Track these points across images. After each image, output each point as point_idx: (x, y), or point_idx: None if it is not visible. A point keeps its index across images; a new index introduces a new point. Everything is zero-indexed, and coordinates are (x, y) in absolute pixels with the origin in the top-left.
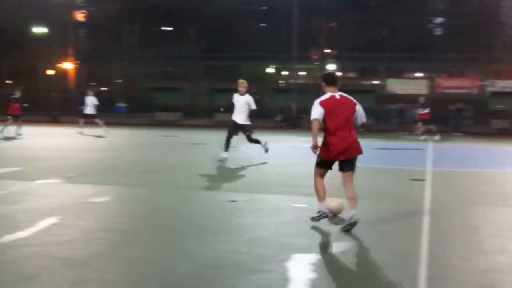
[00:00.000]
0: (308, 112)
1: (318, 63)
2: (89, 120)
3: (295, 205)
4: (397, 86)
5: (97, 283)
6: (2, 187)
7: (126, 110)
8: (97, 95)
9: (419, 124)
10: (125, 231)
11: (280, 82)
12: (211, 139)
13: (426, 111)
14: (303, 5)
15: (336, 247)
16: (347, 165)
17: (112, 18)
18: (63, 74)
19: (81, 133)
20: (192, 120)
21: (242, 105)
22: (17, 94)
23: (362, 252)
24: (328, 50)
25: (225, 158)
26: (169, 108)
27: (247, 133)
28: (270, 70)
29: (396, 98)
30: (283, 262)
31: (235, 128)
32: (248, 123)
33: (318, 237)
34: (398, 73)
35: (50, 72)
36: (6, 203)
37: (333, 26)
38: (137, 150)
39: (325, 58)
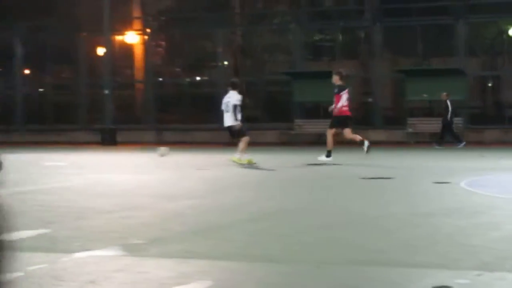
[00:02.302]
0: None
1: None
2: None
3: None
4: None
5: None
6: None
7: None
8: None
9: None
10: None
11: None
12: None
13: None
14: None
15: None
16: None
17: None
18: (122, 51)
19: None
20: (362, 133)
21: None
22: None
23: None
24: None
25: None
26: (317, 111)
27: None
28: None
29: None
30: None
31: None
32: None
33: None
34: None
35: (100, 50)
36: None
37: None
38: (262, 191)
39: None
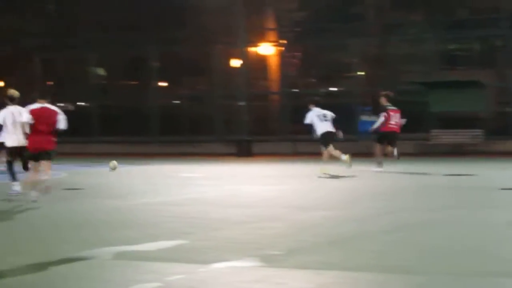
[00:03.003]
0: None
1: None
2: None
3: None
4: None
5: None
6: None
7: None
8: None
9: None
10: None
11: None
12: None
13: None
14: None
15: None
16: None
17: None
18: (256, 63)
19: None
20: (501, 143)
21: None
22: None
23: None
24: None
25: None
26: (456, 120)
27: None
28: None
29: None
30: None
31: None
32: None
33: None
34: None
35: (234, 62)
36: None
37: None
38: (399, 199)
39: None
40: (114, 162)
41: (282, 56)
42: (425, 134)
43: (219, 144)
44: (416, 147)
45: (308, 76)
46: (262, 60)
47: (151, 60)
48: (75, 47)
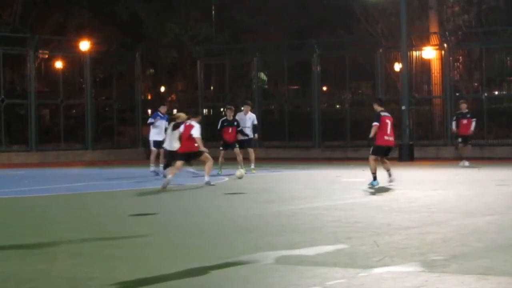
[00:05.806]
0: None
1: None
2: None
3: None
4: None
5: None
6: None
7: None
8: None
9: None
10: None
11: None
12: None
13: None
14: None
15: None
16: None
17: None
18: (419, 67)
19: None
20: None
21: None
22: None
23: None
24: None
25: None
26: None
27: None
28: None
29: None
30: None
31: None
32: None
33: None
34: None
35: (397, 66)
36: None
37: None
38: None
39: None
40: (241, 171)
41: (444, 59)
42: None
43: None
44: None
45: (471, 80)
46: (424, 64)
47: (314, 64)
48: (238, 52)
